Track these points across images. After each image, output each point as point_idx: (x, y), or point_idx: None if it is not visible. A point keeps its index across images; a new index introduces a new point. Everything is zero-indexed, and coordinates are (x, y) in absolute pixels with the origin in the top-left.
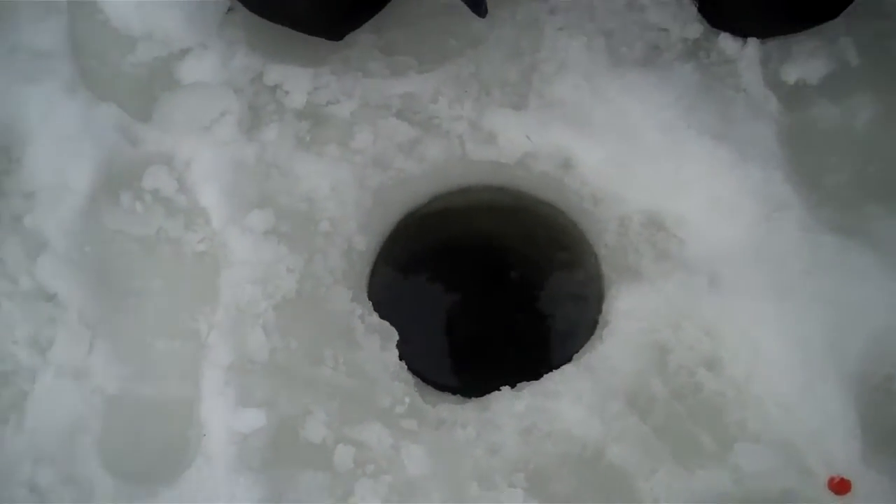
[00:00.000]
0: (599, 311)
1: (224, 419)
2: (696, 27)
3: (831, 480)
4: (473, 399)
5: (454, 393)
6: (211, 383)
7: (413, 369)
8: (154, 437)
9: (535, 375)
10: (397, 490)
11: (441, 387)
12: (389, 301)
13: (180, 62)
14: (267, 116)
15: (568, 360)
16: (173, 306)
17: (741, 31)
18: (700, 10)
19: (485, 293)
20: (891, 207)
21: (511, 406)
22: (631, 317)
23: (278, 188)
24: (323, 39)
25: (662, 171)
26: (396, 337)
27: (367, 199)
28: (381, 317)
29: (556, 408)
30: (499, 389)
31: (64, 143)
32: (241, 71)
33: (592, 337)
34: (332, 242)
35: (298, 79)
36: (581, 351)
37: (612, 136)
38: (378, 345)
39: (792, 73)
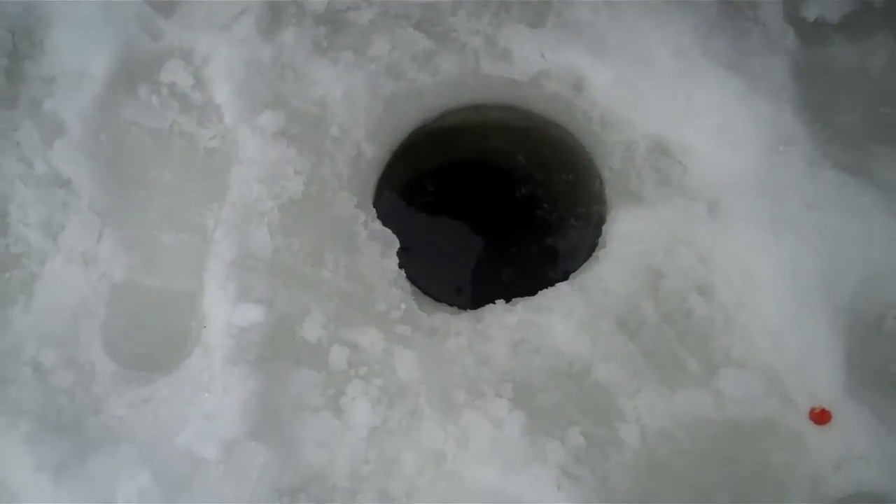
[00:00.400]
0: (599, 233)
1: (224, 313)
2: None
3: (812, 410)
4: (468, 310)
5: (451, 306)
6: (213, 277)
7: (412, 279)
8: (156, 326)
9: (533, 294)
10: (387, 392)
11: (439, 300)
12: (394, 211)
13: None
14: (286, 19)
15: (566, 280)
16: (182, 200)
17: None
18: None
19: (489, 211)
20: None
21: (503, 319)
22: (628, 240)
23: (292, 90)
24: None
25: (672, 97)
26: (397, 245)
27: (378, 107)
28: (385, 226)
29: (547, 323)
30: (493, 303)
31: (86, 31)
32: None
33: (590, 258)
34: (341, 148)
35: None
36: (577, 271)
37: (626, 59)
38: (379, 251)
39: (813, 10)
